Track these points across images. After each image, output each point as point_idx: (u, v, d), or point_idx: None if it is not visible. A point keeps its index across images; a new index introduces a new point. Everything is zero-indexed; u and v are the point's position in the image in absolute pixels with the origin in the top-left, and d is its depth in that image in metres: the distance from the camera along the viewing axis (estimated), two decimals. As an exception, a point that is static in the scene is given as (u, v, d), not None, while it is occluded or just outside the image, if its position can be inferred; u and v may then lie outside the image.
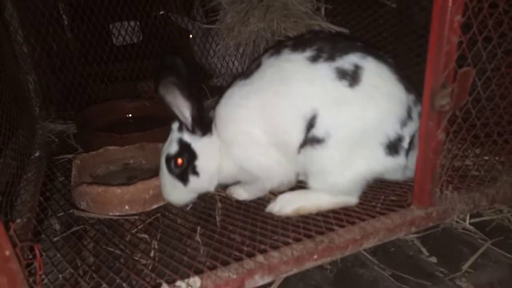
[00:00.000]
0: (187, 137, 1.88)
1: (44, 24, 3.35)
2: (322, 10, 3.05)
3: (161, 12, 3.98)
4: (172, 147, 1.89)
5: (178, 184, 1.90)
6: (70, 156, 2.70)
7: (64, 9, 3.63)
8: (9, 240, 1.14)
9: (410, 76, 1.91)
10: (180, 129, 1.89)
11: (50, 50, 3.41)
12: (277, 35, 2.88)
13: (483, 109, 1.73)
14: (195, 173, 1.89)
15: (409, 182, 1.96)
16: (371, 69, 1.71)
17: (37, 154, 2.62)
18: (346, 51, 1.73)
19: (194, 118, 1.82)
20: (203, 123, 1.87)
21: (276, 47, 1.88)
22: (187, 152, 1.87)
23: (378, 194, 1.94)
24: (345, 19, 3.05)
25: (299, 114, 1.73)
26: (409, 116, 1.77)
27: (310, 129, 1.71)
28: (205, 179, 1.91)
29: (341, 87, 1.68)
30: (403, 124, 1.75)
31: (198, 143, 1.88)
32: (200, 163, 1.88)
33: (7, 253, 1.12)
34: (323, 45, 1.76)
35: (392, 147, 1.75)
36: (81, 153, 2.48)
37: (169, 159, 1.88)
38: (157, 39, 3.88)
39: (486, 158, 1.90)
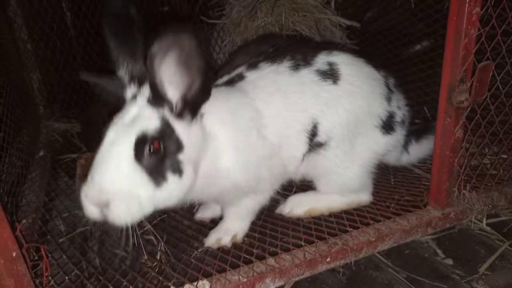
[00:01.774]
0: (169, 117, 1.31)
1: (47, 21, 3.31)
2: (332, 3, 2.98)
3: (165, 8, 3.92)
4: (147, 123, 1.26)
5: (146, 184, 1.25)
6: (74, 155, 2.66)
7: (67, 6, 3.58)
8: (16, 241, 1.12)
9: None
10: (156, 102, 1.29)
11: (54, 48, 3.36)
12: (285, 29, 2.82)
13: (501, 105, 1.67)
14: (177, 170, 1.30)
15: (423, 182, 1.91)
16: (342, 61, 1.73)
17: (41, 153, 2.59)
18: (313, 53, 1.74)
19: (193, 98, 1.29)
20: (198, 105, 1.35)
21: (249, 63, 1.77)
22: (170, 138, 1.29)
23: (393, 194, 1.89)
24: (355, 12, 2.97)
25: (302, 127, 1.66)
26: (389, 90, 1.80)
27: (314, 137, 1.67)
28: (187, 182, 1.34)
29: (327, 86, 1.68)
30: (388, 99, 1.78)
31: (186, 130, 1.33)
32: (186, 158, 1.32)
33: (14, 254, 1.10)
34: (293, 53, 1.74)
35: (387, 126, 1.77)
36: (85, 152, 2.44)
37: (143, 140, 1.24)
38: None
39: (505, 156, 1.84)
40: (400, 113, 1.83)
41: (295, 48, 1.79)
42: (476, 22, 1.38)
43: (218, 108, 1.47)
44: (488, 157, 1.86)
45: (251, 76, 1.70)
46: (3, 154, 1.91)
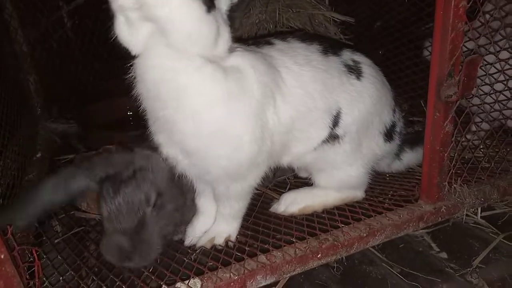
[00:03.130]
0: None
1: (43, 23, 3.31)
2: (326, -2, 2.97)
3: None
4: None
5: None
6: (72, 156, 2.67)
7: (63, 6, 3.58)
8: (5, 244, 1.13)
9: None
10: None
11: (50, 49, 3.37)
12: (279, 26, 2.81)
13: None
14: (210, 6, 1.23)
15: (416, 176, 1.91)
16: (365, 62, 1.74)
17: (39, 155, 2.60)
18: (339, 47, 1.74)
19: None
20: None
21: (278, 37, 1.72)
22: None
23: (385, 189, 1.90)
24: (349, 7, 2.96)
25: (328, 108, 1.62)
26: (395, 102, 1.85)
27: (335, 126, 1.65)
28: (212, 25, 1.25)
29: (352, 80, 1.68)
30: (394, 110, 1.83)
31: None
32: (215, 15, 1.27)
33: (2, 256, 1.11)
34: (321, 40, 1.73)
35: (389, 134, 1.81)
36: (82, 153, 2.46)
37: None
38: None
39: (497, 149, 1.84)
40: (400, 124, 1.89)
41: (320, 38, 1.80)
42: (463, 15, 1.37)
43: (248, 54, 1.43)
44: (480, 150, 1.86)
45: (281, 45, 1.63)
46: (-2, 156, 1.92)
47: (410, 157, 2.02)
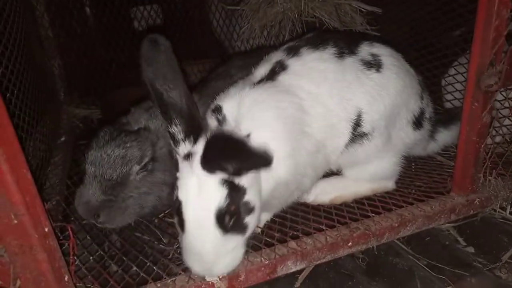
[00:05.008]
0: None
1: (68, 8, 3.34)
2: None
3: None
4: (216, 196, 1.28)
5: (236, 239, 1.32)
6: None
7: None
8: (48, 217, 1.13)
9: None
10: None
11: (74, 35, 3.40)
12: (304, 15, 2.79)
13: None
14: (250, 210, 1.34)
15: (446, 169, 1.88)
16: (385, 53, 1.72)
17: (63, 138, 2.63)
18: (356, 42, 1.71)
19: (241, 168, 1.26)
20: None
21: (288, 48, 1.69)
22: (234, 192, 1.31)
23: (415, 181, 1.88)
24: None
25: (348, 116, 1.61)
26: (421, 88, 1.82)
27: (357, 127, 1.63)
28: (259, 211, 1.39)
29: (372, 75, 1.65)
30: (421, 97, 1.80)
31: (243, 177, 1.33)
32: (251, 195, 1.34)
33: (46, 229, 1.12)
34: (336, 41, 1.69)
35: (418, 122, 1.79)
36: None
37: (223, 213, 1.27)
38: (179, 22, 3.82)
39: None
40: (429, 110, 1.86)
41: (336, 36, 1.75)
42: (508, 2, 1.34)
43: (263, 122, 1.44)
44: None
45: (294, 65, 1.61)
46: (28, 137, 1.94)
47: (445, 137, 2.00)
